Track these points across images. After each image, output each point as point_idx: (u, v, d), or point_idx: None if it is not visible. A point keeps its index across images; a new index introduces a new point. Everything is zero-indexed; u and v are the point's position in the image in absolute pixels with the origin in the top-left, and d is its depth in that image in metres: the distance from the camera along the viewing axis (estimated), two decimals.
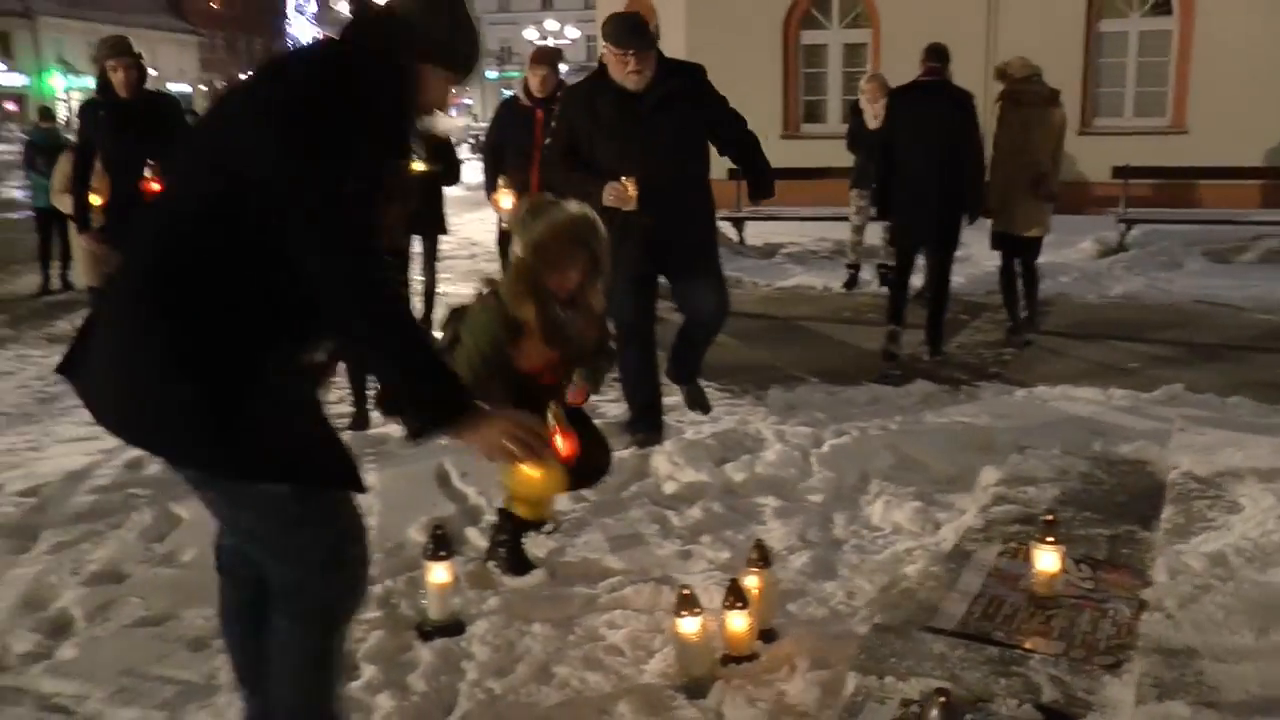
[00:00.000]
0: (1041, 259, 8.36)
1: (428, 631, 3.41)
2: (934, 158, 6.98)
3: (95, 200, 5.95)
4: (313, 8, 51.17)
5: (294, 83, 2.22)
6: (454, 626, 3.44)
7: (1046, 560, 3.05)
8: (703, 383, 5.85)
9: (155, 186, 5.53)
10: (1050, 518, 3.07)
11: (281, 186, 2.09)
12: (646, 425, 5.26)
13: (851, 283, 9.88)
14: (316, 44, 2.57)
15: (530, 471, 2.17)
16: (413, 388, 2.30)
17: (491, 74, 59.38)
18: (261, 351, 2.17)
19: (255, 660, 2.56)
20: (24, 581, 3.79)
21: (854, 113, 9.86)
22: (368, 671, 3.17)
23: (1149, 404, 5.77)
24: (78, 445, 5.41)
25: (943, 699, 2.07)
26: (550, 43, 50.89)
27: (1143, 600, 2.74)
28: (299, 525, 2.27)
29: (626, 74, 4.82)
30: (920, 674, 2.59)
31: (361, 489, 2.33)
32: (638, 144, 4.82)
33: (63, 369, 2.33)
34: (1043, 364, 7.11)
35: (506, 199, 6.39)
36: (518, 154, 6.76)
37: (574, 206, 3.74)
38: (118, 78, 5.74)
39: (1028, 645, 2.80)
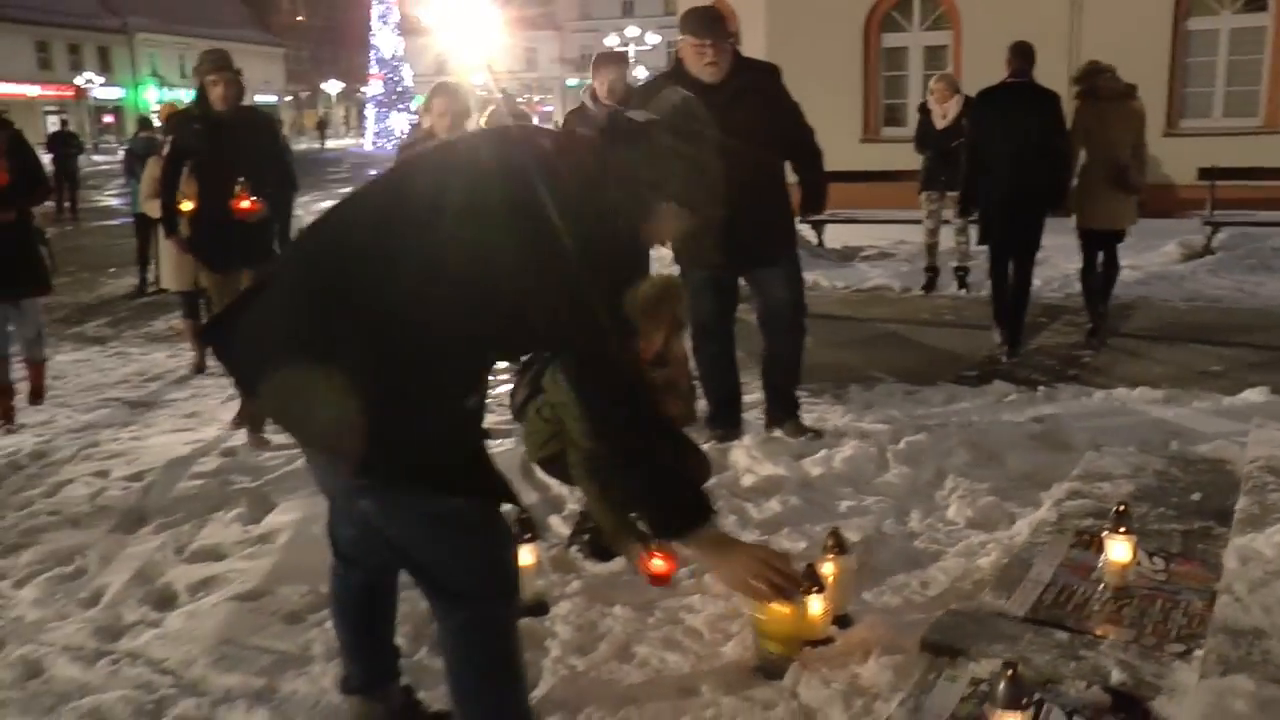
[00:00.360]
0: (1125, 262, 8.41)
1: None
2: (1021, 158, 7.06)
3: (185, 206, 5.95)
4: (396, 18, 51.98)
5: (558, 205, 2.21)
6: (538, 607, 3.57)
7: (1119, 550, 3.08)
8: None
9: (245, 205, 5.61)
10: (1122, 508, 3.11)
11: (544, 307, 2.22)
12: (725, 421, 5.34)
13: (930, 285, 9.85)
14: (568, 153, 2.37)
15: (780, 609, 2.17)
16: (649, 501, 2.42)
17: (572, 81, 59.87)
18: (453, 394, 2.29)
19: (360, 632, 2.77)
20: (134, 559, 4.03)
21: (922, 113, 9.85)
22: None
23: (1230, 407, 5.70)
24: (177, 436, 5.67)
25: (1010, 672, 2.14)
26: (631, 49, 51.18)
27: (1215, 590, 2.77)
28: (461, 535, 2.36)
29: (703, 65, 4.79)
30: (990, 655, 2.65)
31: (517, 503, 2.46)
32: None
33: (211, 338, 2.46)
34: (1122, 366, 7.05)
35: None
36: None
37: (653, 277, 3.90)
38: (216, 92, 5.71)
39: (1098, 632, 2.85)
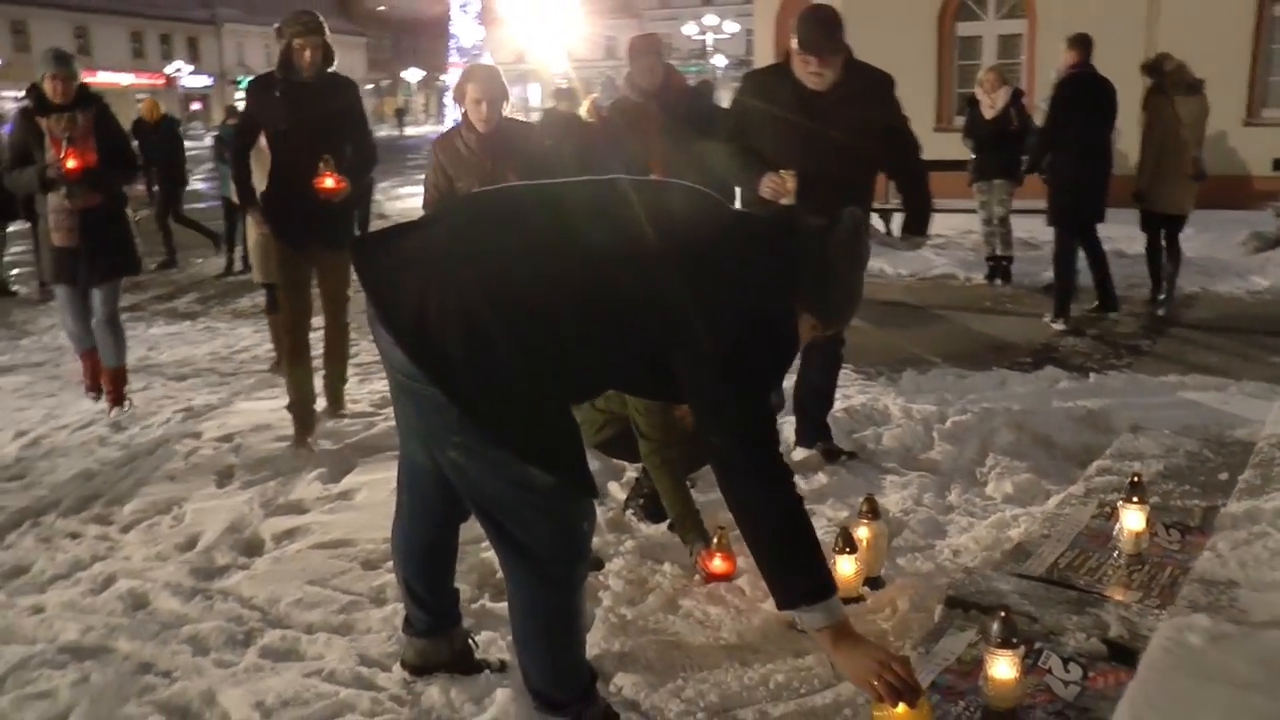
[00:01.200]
0: (1194, 253, 8.64)
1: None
2: (1103, 144, 7.93)
3: (257, 182, 5.56)
4: (476, 8, 52.64)
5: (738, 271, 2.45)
6: (594, 563, 3.85)
7: (1132, 519, 3.28)
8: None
9: (330, 184, 5.18)
10: (1136, 479, 3.30)
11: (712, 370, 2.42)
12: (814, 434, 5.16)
13: (992, 274, 9.95)
14: (764, 259, 2.52)
15: (896, 713, 2.28)
16: (783, 574, 2.53)
17: None
18: (566, 397, 2.55)
19: (423, 577, 3.03)
20: (225, 510, 4.41)
21: (970, 104, 9.99)
22: None
23: None
24: (262, 403, 6.07)
25: (1003, 615, 2.37)
26: (709, 37, 51.30)
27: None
28: (549, 502, 2.54)
29: (807, 73, 4.55)
30: (1001, 608, 2.87)
31: (595, 494, 2.68)
32: (806, 137, 4.54)
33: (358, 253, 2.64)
34: (1178, 355, 7.13)
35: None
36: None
37: None
38: (304, 57, 5.22)
39: (1107, 593, 3.05)
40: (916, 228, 5.01)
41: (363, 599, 3.62)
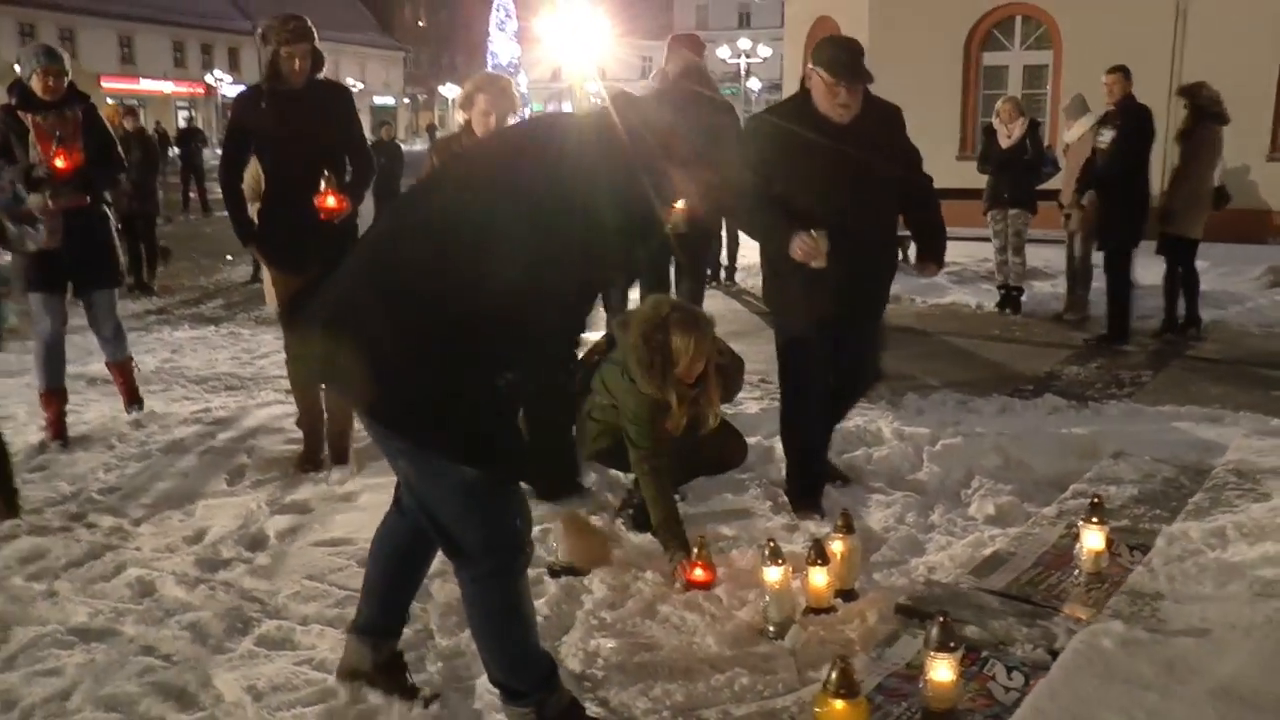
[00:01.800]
0: (1207, 285, 9.10)
1: (556, 571, 4.01)
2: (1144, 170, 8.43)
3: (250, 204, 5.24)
4: (514, 26, 53.23)
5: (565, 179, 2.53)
6: (579, 570, 4.02)
7: (1092, 539, 3.41)
8: None
9: (331, 202, 4.86)
10: (1097, 499, 3.43)
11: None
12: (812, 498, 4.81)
13: (1003, 303, 10.06)
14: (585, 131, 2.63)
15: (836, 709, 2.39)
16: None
17: None
18: (476, 370, 2.55)
19: (386, 577, 3.15)
20: (233, 507, 4.63)
21: (987, 133, 10.15)
22: None
23: (1275, 428, 5.84)
24: (279, 407, 6.27)
25: (942, 620, 2.52)
26: (743, 60, 51.56)
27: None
28: (470, 500, 2.65)
29: (834, 105, 4.33)
30: (956, 619, 3.01)
31: (527, 480, 2.80)
32: (834, 171, 4.35)
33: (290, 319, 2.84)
34: (1179, 387, 7.21)
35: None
36: None
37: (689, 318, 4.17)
38: (292, 65, 4.85)
39: (1064, 610, 3.19)
40: (933, 256, 4.83)
41: (358, 594, 3.75)
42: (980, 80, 16.87)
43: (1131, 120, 8.41)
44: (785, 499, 4.79)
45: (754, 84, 56.37)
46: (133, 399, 6.15)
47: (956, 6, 16.22)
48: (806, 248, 4.26)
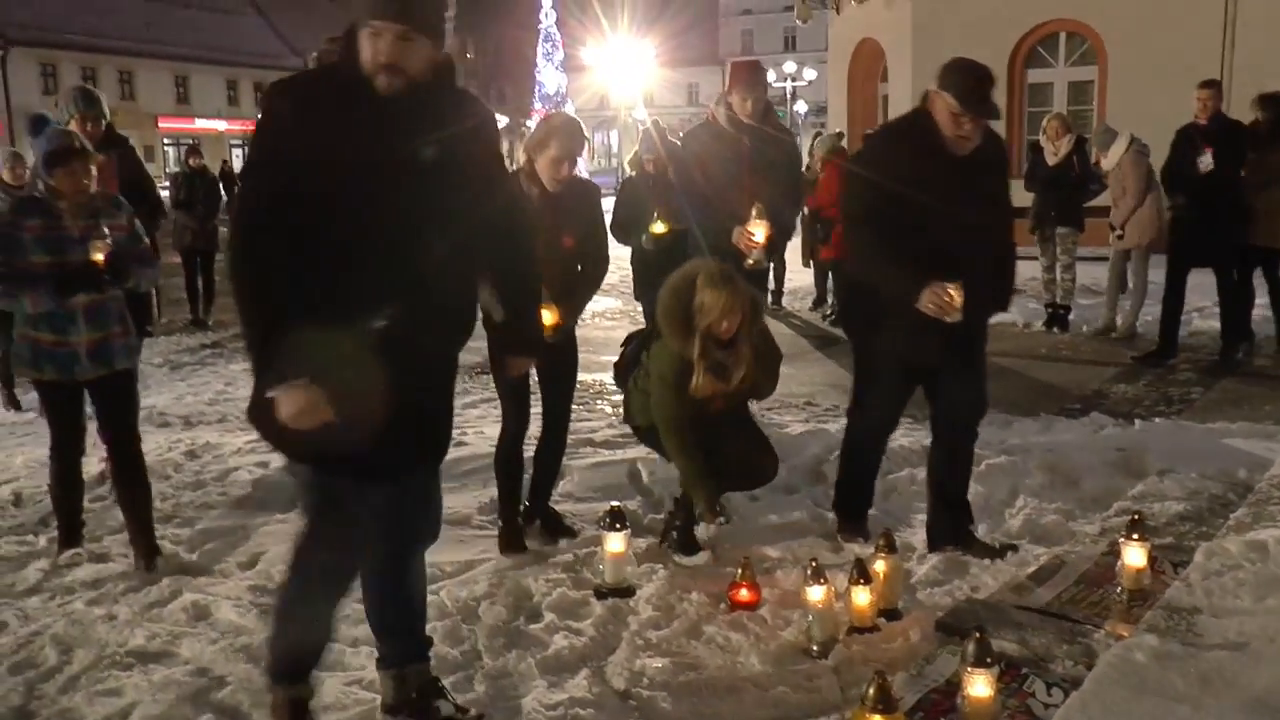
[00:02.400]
0: (1261, 299, 8.71)
1: (603, 592, 4.06)
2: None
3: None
4: (560, 56, 53.78)
5: None
6: (625, 590, 4.08)
7: (1133, 555, 3.40)
8: None
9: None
10: (1138, 516, 3.43)
11: None
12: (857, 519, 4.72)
13: (1050, 321, 9.99)
14: None
15: None
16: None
17: None
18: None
19: (376, 608, 3.25)
20: (285, 534, 4.63)
21: (1033, 151, 10.08)
22: (548, 617, 3.89)
23: None
24: None
25: (978, 635, 2.54)
26: (789, 84, 51.73)
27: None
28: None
29: (957, 135, 4.01)
30: (996, 636, 3.02)
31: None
32: (947, 212, 3.99)
33: None
34: (1229, 404, 7.12)
35: (760, 229, 5.29)
36: (731, 185, 5.48)
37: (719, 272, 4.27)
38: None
39: (1106, 627, 3.18)
40: (1003, 303, 4.57)
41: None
42: (1025, 97, 16.81)
43: (1235, 137, 8.24)
44: (831, 520, 4.81)
45: (800, 107, 56.41)
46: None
47: (1000, 23, 16.19)
48: (941, 303, 3.92)
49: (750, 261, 5.30)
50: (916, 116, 4.17)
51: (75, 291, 4.31)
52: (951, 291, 3.88)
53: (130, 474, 4.65)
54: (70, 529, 4.70)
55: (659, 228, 6.73)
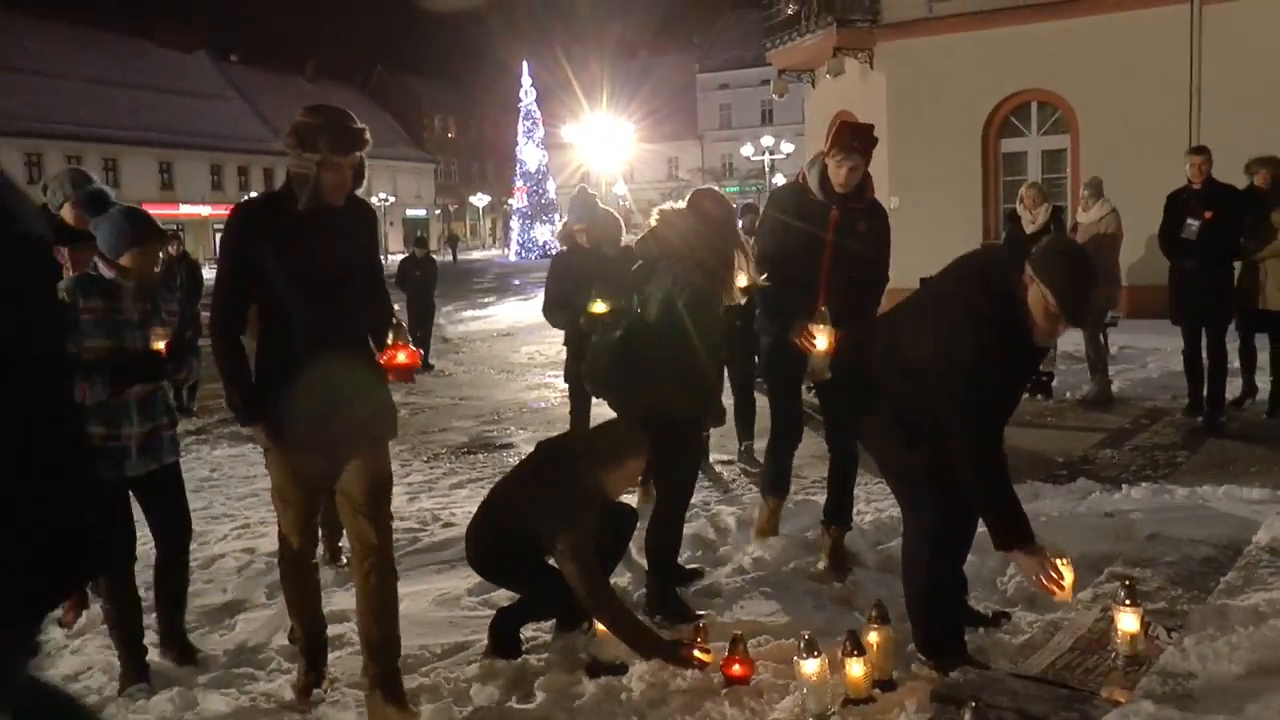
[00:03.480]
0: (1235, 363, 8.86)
1: (595, 670, 4.03)
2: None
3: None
4: (540, 133, 54.52)
5: None
6: (618, 667, 4.05)
7: (1127, 621, 3.40)
8: (872, 478, 6.13)
9: (404, 359, 3.97)
10: (1130, 582, 3.43)
11: None
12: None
13: (1034, 389, 10.02)
14: None
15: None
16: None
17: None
18: None
19: None
20: (271, 620, 4.70)
21: (1011, 219, 10.21)
22: (540, 696, 3.85)
23: None
24: None
25: (974, 704, 2.52)
26: (766, 157, 52.45)
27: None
28: None
29: (1047, 334, 3.64)
30: (993, 704, 3.01)
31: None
32: (1021, 384, 3.93)
33: None
34: (1215, 468, 7.14)
35: (823, 336, 4.92)
36: (808, 255, 5.09)
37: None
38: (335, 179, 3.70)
39: (1102, 693, 3.17)
40: None
41: None
42: (1000, 166, 17.09)
43: (1231, 201, 8.40)
44: (824, 589, 4.81)
45: (779, 179, 57.14)
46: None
47: (973, 94, 16.51)
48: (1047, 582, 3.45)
49: (810, 371, 5.07)
50: (1013, 299, 3.55)
51: (134, 382, 4.02)
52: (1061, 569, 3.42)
53: (176, 571, 4.39)
54: (137, 659, 4.15)
55: (599, 307, 5.42)
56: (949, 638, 3.89)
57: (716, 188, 5.55)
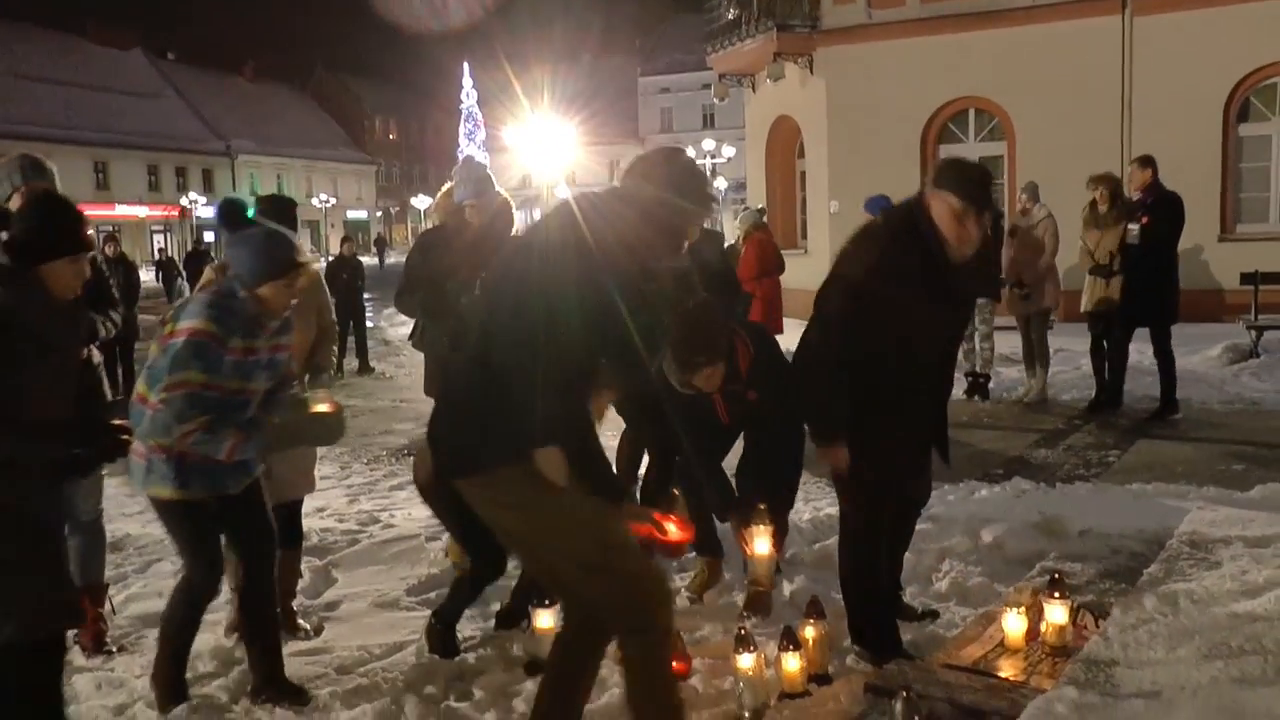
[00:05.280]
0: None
1: (533, 667, 4.03)
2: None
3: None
4: (482, 135, 54.38)
5: None
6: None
7: (1055, 613, 3.49)
8: (811, 477, 6.19)
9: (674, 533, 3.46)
10: (1058, 575, 3.52)
11: None
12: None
13: (971, 390, 10.18)
14: None
15: None
16: None
17: None
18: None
19: None
20: (209, 624, 4.60)
21: None
22: (478, 694, 3.87)
23: (1235, 500, 5.96)
24: None
25: (905, 694, 2.58)
26: (708, 161, 52.78)
27: None
28: None
29: (964, 240, 3.74)
30: (926, 695, 3.07)
31: None
32: (942, 322, 3.92)
33: None
34: (1145, 466, 7.33)
35: (763, 541, 4.65)
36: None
37: None
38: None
39: (1031, 683, 3.25)
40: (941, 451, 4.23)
41: (333, 699, 3.84)
42: None
43: (1169, 208, 8.73)
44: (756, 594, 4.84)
45: (720, 183, 57.35)
46: (98, 643, 4.48)
47: (911, 101, 16.72)
48: (839, 464, 3.85)
49: (749, 578, 4.70)
50: (915, 217, 3.78)
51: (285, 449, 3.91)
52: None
53: (267, 597, 3.96)
54: (179, 686, 3.89)
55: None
56: (883, 630, 3.99)
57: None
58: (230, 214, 3.82)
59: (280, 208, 4.57)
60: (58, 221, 3.13)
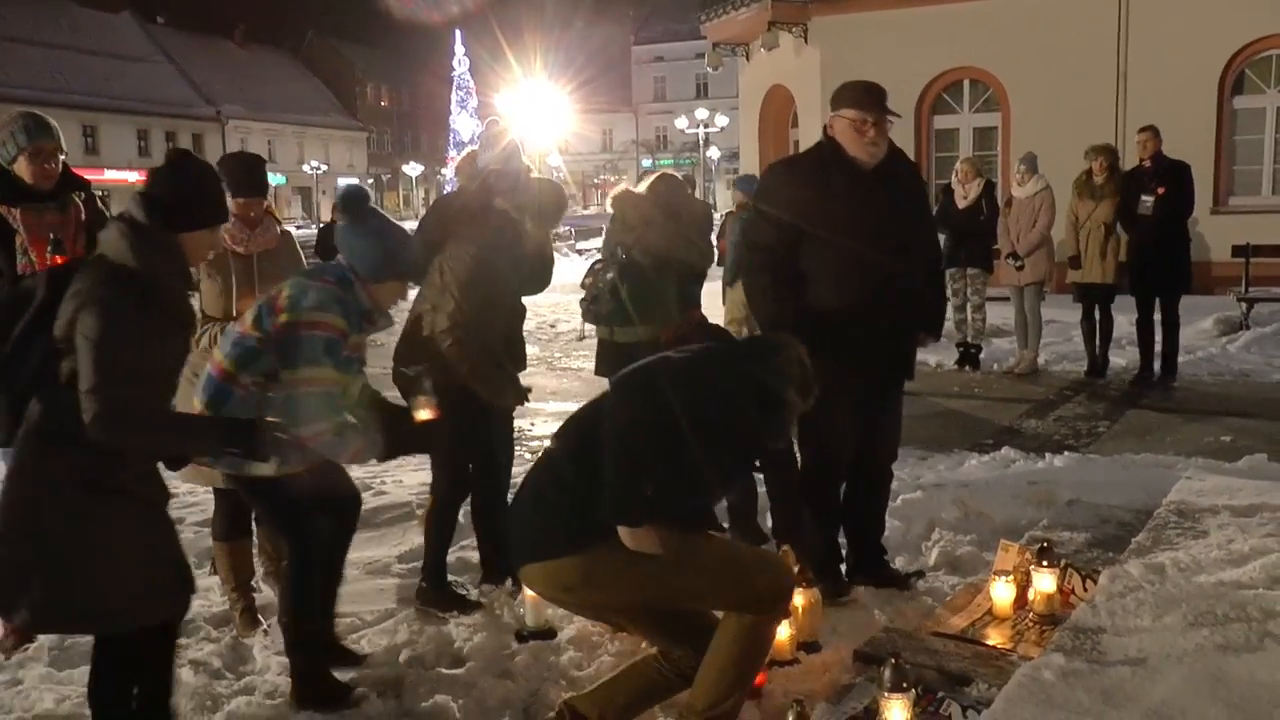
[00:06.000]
0: (1160, 335, 9.29)
1: (524, 635, 4.06)
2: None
3: None
4: (474, 103, 54.09)
5: None
6: (546, 632, 4.08)
7: (1043, 582, 3.51)
8: None
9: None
10: (1047, 544, 3.54)
11: None
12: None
13: (963, 360, 10.20)
14: None
15: None
16: None
17: (646, 162, 61.22)
18: None
19: None
20: (201, 590, 4.60)
21: (945, 193, 10.35)
22: (470, 662, 3.87)
23: (1223, 471, 6.00)
24: None
25: (894, 662, 2.59)
26: (701, 130, 52.59)
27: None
28: None
29: (864, 144, 4.08)
30: (914, 663, 3.09)
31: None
32: (869, 225, 4.04)
33: None
34: (1134, 436, 7.37)
35: None
36: None
37: None
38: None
39: (1019, 651, 3.27)
40: (936, 328, 4.77)
41: None
42: (932, 143, 17.27)
43: (1182, 176, 8.81)
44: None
45: (714, 152, 57.18)
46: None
47: (906, 71, 16.59)
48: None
49: None
50: (819, 145, 4.27)
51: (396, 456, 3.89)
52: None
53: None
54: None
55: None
56: (827, 553, 4.40)
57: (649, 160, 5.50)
58: (354, 202, 3.67)
59: (248, 166, 4.37)
60: (210, 189, 2.95)
